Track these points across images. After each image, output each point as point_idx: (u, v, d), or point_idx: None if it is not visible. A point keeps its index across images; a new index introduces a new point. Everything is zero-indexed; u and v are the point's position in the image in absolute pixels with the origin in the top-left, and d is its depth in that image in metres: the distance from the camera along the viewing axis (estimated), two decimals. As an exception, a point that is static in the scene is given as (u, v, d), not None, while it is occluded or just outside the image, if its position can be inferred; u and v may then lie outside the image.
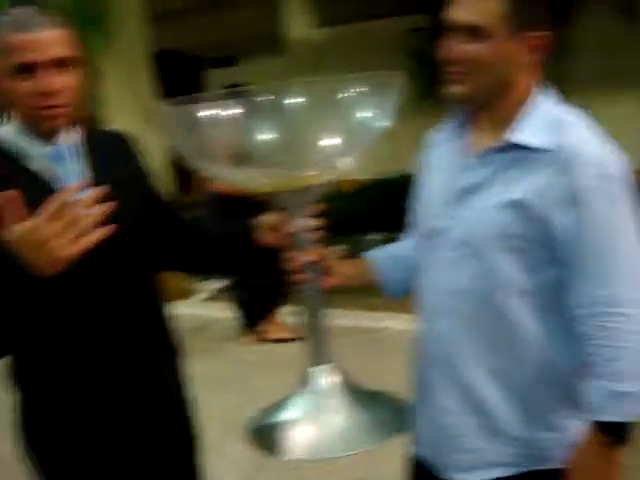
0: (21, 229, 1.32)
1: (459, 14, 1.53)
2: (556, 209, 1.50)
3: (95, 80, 5.60)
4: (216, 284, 6.61)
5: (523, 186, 1.53)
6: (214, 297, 6.47)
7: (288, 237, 1.64)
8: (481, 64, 1.53)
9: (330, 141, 1.49)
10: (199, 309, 6.23)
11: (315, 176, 1.53)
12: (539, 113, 1.57)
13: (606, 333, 1.50)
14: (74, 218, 1.32)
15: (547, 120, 1.56)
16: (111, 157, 1.78)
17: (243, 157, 1.52)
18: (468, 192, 1.62)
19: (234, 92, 1.45)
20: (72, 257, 1.34)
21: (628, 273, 1.51)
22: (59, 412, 1.70)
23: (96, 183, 1.58)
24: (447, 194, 1.67)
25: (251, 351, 5.27)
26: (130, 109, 5.83)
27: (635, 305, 1.50)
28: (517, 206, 1.53)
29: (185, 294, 6.47)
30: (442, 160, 1.75)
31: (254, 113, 1.44)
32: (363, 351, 4.88)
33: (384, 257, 1.93)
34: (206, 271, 2.11)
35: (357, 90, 1.47)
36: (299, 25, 8.64)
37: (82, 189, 1.36)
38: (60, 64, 1.60)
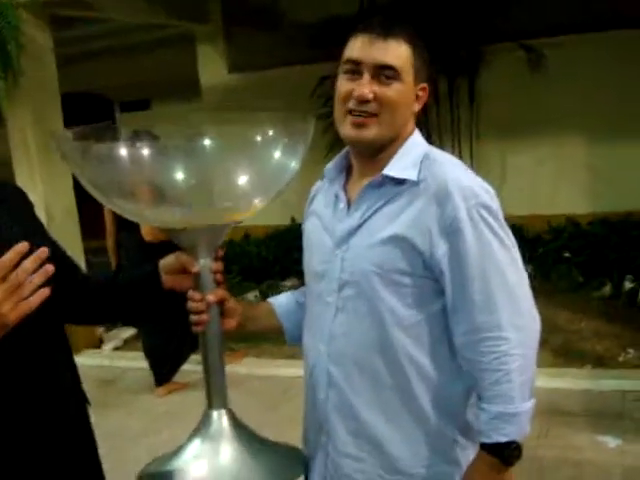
0: None
1: (372, 54, 1.56)
2: (434, 240, 1.54)
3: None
4: (126, 332, 6.42)
5: (400, 220, 1.57)
6: (124, 346, 6.31)
7: (191, 278, 1.63)
8: (389, 105, 1.58)
9: (240, 182, 1.50)
10: (109, 359, 6.05)
11: (225, 215, 1.54)
12: (412, 151, 1.63)
13: (490, 358, 1.54)
14: (17, 282, 1.28)
15: (419, 156, 1.62)
16: (6, 210, 1.66)
17: (154, 195, 1.51)
18: (348, 234, 1.65)
19: (144, 132, 1.47)
20: (12, 322, 1.30)
21: (509, 298, 1.55)
22: None
23: (2, 238, 1.54)
24: (328, 239, 1.69)
25: (163, 402, 5.10)
26: (37, 151, 5.71)
27: (516, 329, 1.54)
28: (395, 240, 1.56)
29: (94, 343, 6.29)
30: (321, 206, 1.77)
31: (165, 153, 1.44)
32: (268, 399, 4.87)
33: (285, 302, 1.92)
34: (111, 319, 2.02)
35: (268, 132, 1.48)
36: (213, 70, 8.65)
37: (20, 250, 1.30)
38: None
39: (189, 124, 1.58)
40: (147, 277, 1.78)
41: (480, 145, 7.44)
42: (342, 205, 1.69)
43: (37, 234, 1.72)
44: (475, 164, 7.33)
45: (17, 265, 1.30)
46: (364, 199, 1.63)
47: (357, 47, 1.58)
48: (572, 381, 4.68)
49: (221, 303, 1.64)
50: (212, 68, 8.67)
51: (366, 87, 1.56)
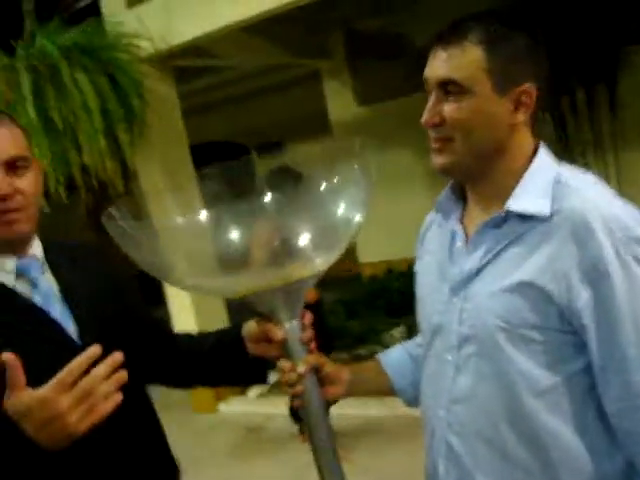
0: (27, 401, 1.16)
1: (434, 69, 1.30)
2: (573, 287, 1.23)
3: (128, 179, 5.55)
4: (271, 377, 6.30)
5: (529, 264, 1.27)
6: (269, 392, 6.22)
7: (277, 347, 1.45)
8: (462, 126, 1.29)
9: (305, 235, 1.36)
10: (254, 406, 5.98)
11: (294, 272, 1.37)
12: (538, 177, 1.32)
13: None
14: (88, 389, 1.17)
15: (549, 182, 1.30)
16: (78, 270, 1.58)
17: (215, 264, 1.39)
18: (467, 280, 1.36)
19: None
20: (84, 431, 1.18)
21: None
22: None
23: (69, 299, 1.49)
24: (444, 284, 1.42)
25: (307, 449, 4.92)
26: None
27: None
28: (525, 288, 1.26)
29: (239, 390, 6.24)
30: (435, 245, 1.50)
31: (219, 220, 1.35)
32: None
33: (397, 358, 1.67)
34: (196, 383, 1.89)
35: (327, 184, 1.36)
36: (341, 105, 8.57)
37: (91, 355, 1.19)
38: (13, 165, 1.42)
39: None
40: (231, 343, 1.63)
41: (626, 157, 6.92)
42: (460, 244, 1.41)
43: (109, 294, 1.60)
44: (621, 179, 6.85)
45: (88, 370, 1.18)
46: (483, 238, 1.35)
47: (428, 63, 1.34)
48: None
49: (317, 371, 1.45)
50: (340, 103, 8.59)
51: (429, 111, 1.32)
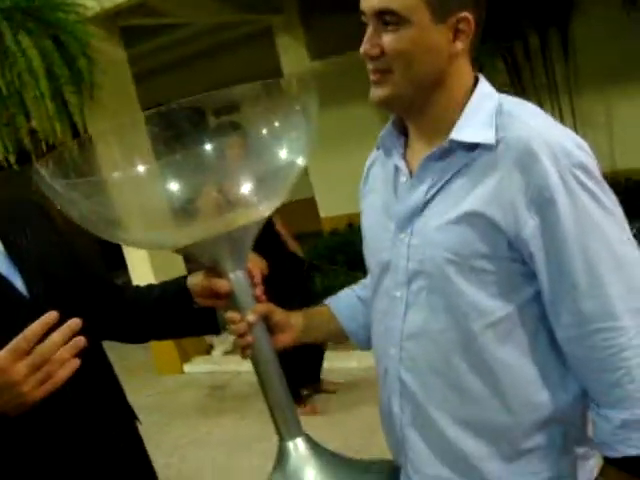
0: None
1: (371, 0, 1.27)
2: (519, 215, 1.22)
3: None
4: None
5: (475, 194, 1.26)
6: (235, 349, 6.23)
7: (222, 297, 1.42)
8: (401, 57, 1.26)
9: (247, 181, 1.33)
10: (219, 365, 5.99)
11: (237, 218, 1.34)
12: (481, 107, 1.30)
13: (605, 354, 1.22)
14: (45, 357, 1.14)
15: (491, 111, 1.29)
16: (19, 226, 1.55)
17: (157, 216, 1.35)
18: (412, 215, 1.35)
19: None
20: (33, 401, 1.15)
21: (621, 277, 1.22)
22: None
23: (13, 253, 1.46)
24: (389, 221, 1.40)
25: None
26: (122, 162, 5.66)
27: (634, 314, 1.22)
28: (473, 218, 1.26)
29: (204, 349, 6.24)
30: (379, 182, 1.48)
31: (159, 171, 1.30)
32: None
33: (346, 302, 1.66)
34: (148, 337, 1.85)
35: (268, 128, 1.34)
36: (294, 60, 8.48)
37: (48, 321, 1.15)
38: None
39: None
40: (175, 294, 1.61)
41: (581, 100, 6.94)
42: (404, 179, 1.39)
43: (54, 248, 1.59)
44: (578, 121, 6.87)
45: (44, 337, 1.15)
46: (428, 172, 1.33)
47: None
48: None
49: (266, 319, 1.43)
50: (293, 58, 8.48)
51: (367, 42, 1.29)
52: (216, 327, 1.63)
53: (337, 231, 8.20)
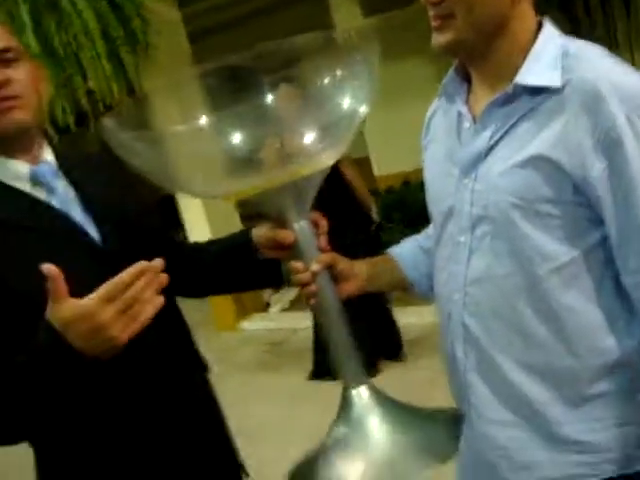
0: (70, 313, 1.16)
1: None
2: (586, 158, 1.20)
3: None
4: (292, 293, 6.39)
5: (541, 138, 1.24)
6: (291, 307, 6.28)
7: (287, 248, 1.41)
8: (462, 1, 1.24)
9: (310, 131, 1.30)
10: (276, 322, 6.05)
11: (300, 168, 1.32)
12: (546, 50, 1.27)
13: None
14: (131, 300, 1.17)
15: (557, 55, 1.26)
16: (92, 177, 1.56)
17: (220, 167, 1.35)
18: (476, 160, 1.33)
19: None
20: (123, 343, 1.18)
21: None
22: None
23: (87, 203, 1.48)
24: (453, 168, 1.39)
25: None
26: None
27: None
28: (536, 162, 1.24)
29: (261, 307, 6.31)
30: (442, 131, 1.47)
31: (222, 124, 1.29)
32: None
33: (409, 251, 1.65)
34: (209, 291, 1.88)
35: (329, 77, 1.30)
36: (347, 17, 8.40)
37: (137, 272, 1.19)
38: (3, 57, 1.40)
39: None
40: (238, 247, 1.62)
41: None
42: (467, 124, 1.38)
43: (126, 199, 1.61)
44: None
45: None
46: (491, 117, 1.32)
47: None
48: None
49: (330, 268, 1.43)
50: (346, 15, 8.41)
51: None
52: (280, 278, 1.63)
53: (393, 189, 8.16)
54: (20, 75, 1.41)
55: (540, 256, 1.28)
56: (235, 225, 5.98)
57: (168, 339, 1.53)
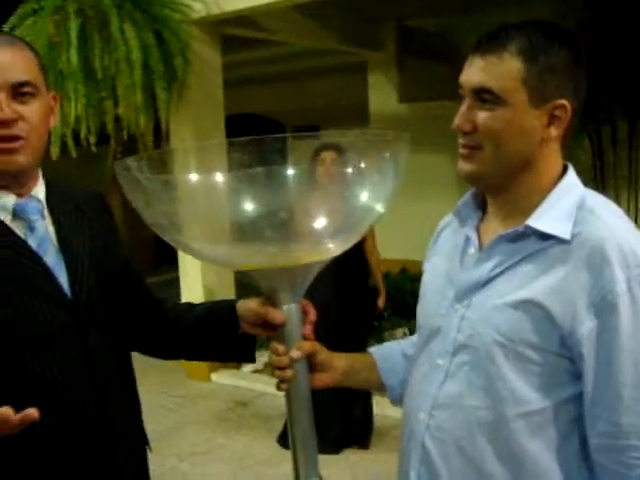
0: None
1: (469, 76, 1.28)
2: (578, 314, 1.21)
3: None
4: (267, 356, 6.28)
5: (539, 283, 1.25)
6: (264, 369, 6.21)
7: (272, 328, 1.41)
8: (493, 135, 1.27)
9: (322, 218, 1.30)
10: (246, 381, 5.98)
11: (303, 254, 1.32)
12: (563, 198, 1.30)
13: (633, 472, 1.20)
14: None
15: (573, 204, 1.28)
16: (80, 218, 1.53)
17: (225, 232, 1.33)
18: (473, 288, 1.34)
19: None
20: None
21: None
22: None
23: (66, 248, 1.44)
24: (449, 289, 1.40)
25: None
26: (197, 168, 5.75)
27: None
28: (531, 306, 1.24)
29: (234, 364, 6.24)
30: (448, 247, 1.48)
31: (240, 184, 1.27)
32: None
33: (390, 355, 1.64)
34: (179, 355, 1.79)
35: (358, 166, 1.30)
36: (383, 99, 8.53)
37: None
38: (20, 90, 1.37)
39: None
40: (222, 318, 1.57)
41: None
42: (472, 250, 1.40)
43: (107, 248, 1.56)
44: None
45: None
46: (497, 250, 1.33)
47: (464, 69, 1.32)
48: None
49: (310, 357, 1.43)
50: (382, 97, 8.54)
51: (461, 116, 1.30)
52: (253, 356, 1.61)
53: (390, 274, 8.16)
54: (31, 113, 1.38)
55: (512, 398, 1.27)
56: (228, 274, 5.97)
57: (114, 404, 1.48)
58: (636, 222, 6.68)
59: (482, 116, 1.27)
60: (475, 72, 1.28)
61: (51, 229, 1.46)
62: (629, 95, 6.28)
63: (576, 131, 5.44)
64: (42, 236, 1.42)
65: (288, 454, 1.44)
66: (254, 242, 1.32)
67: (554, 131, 1.28)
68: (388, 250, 8.54)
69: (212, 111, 5.93)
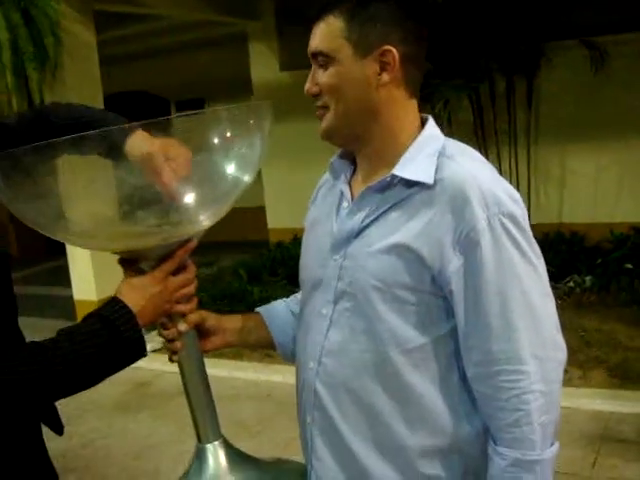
0: None
1: (310, 44, 1.39)
2: (445, 253, 1.30)
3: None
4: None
5: (407, 227, 1.33)
6: (162, 348, 6.18)
7: None
8: (332, 92, 1.36)
9: (191, 193, 1.33)
10: (145, 362, 5.89)
11: (175, 230, 1.34)
12: (425, 147, 1.37)
13: (507, 394, 1.29)
14: None
15: (435, 152, 1.36)
16: None
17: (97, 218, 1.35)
18: (348, 239, 1.41)
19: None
20: None
21: (531, 324, 1.30)
22: None
23: None
24: (327, 241, 1.46)
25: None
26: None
27: (538, 361, 1.29)
28: (399, 250, 1.32)
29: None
30: (325, 203, 1.56)
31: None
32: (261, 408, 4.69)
33: (278, 313, 1.70)
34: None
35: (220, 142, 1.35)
36: (265, 68, 8.51)
37: None
38: None
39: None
40: None
41: (539, 149, 7.10)
42: (346, 204, 1.46)
43: None
44: (533, 169, 7.03)
45: None
46: (366, 201, 1.40)
47: None
48: (628, 404, 4.25)
49: (198, 325, 1.49)
50: (263, 66, 8.53)
51: (309, 82, 1.40)
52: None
53: (282, 243, 8.22)
54: None
55: (392, 337, 1.35)
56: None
57: (17, 447, 1.47)
58: (517, 173, 6.94)
59: (321, 77, 1.37)
60: (312, 39, 1.38)
61: None
62: (504, 51, 6.48)
63: (455, 89, 5.55)
64: None
65: (190, 429, 1.49)
66: (128, 226, 1.34)
67: (386, 76, 1.35)
68: (280, 220, 8.62)
69: (89, 90, 5.78)
